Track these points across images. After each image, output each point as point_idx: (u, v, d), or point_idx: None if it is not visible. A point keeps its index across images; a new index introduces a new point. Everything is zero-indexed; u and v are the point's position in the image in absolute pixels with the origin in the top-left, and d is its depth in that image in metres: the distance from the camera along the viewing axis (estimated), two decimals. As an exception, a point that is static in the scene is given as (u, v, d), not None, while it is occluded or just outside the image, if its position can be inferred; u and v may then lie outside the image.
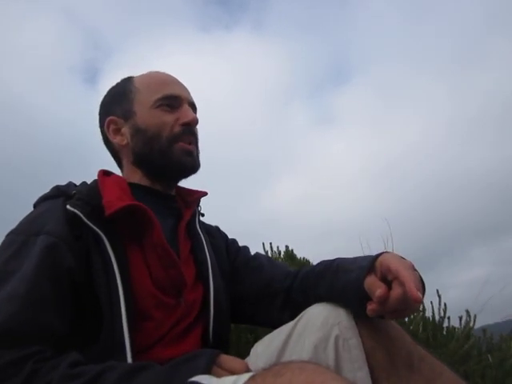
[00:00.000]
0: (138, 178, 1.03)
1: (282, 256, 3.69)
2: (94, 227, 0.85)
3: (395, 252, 0.93)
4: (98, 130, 1.10)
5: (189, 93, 1.08)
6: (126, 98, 1.04)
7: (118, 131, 1.05)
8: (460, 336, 2.43)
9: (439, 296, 2.46)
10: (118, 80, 1.12)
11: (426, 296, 2.87)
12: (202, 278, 1.03)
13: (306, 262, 3.63)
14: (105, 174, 1.02)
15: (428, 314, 2.70)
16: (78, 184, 1.01)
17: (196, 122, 1.03)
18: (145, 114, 1.01)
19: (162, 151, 1.00)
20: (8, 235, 0.86)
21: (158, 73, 1.08)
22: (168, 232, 0.98)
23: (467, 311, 2.40)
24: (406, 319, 2.95)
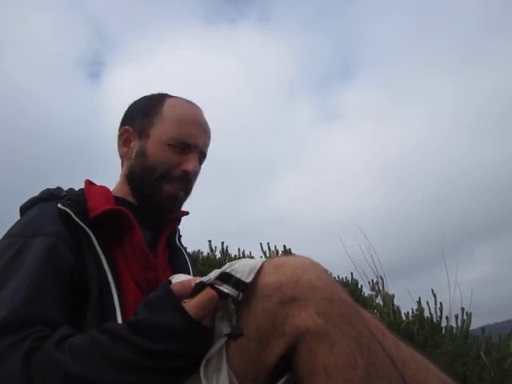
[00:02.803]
0: (125, 191, 1.06)
1: (279, 255, 3.69)
2: (84, 226, 0.87)
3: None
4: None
5: (206, 140, 1.09)
6: (149, 118, 1.05)
7: (127, 142, 1.07)
8: (458, 336, 2.43)
9: (434, 295, 2.45)
10: (154, 92, 1.13)
11: (422, 296, 2.83)
12: None
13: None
14: (90, 183, 1.04)
15: (426, 314, 2.70)
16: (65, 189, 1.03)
17: (195, 173, 1.06)
18: (155, 143, 1.02)
19: (152, 184, 1.02)
20: (5, 239, 0.86)
21: (188, 109, 1.08)
22: (147, 241, 1.00)
23: (463, 309, 2.39)
24: (404, 318, 2.95)
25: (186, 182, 1.04)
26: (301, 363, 0.65)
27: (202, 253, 3.62)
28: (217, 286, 0.67)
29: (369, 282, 3.09)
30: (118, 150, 1.10)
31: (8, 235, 0.87)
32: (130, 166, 1.05)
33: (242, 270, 0.68)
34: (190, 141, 1.03)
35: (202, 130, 1.06)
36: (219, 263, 3.52)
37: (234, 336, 0.66)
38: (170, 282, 0.72)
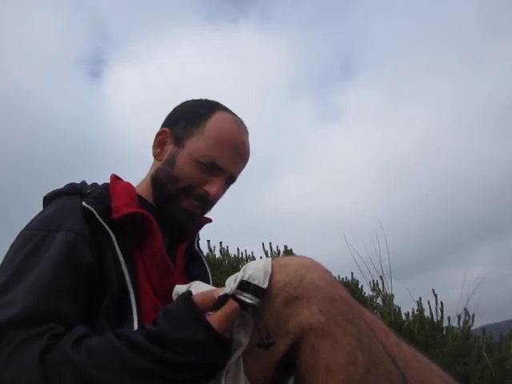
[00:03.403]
0: (148, 192, 1.05)
1: (281, 256, 3.69)
2: (106, 227, 0.86)
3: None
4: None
5: (239, 166, 1.06)
6: (191, 128, 1.02)
7: (162, 144, 1.05)
8: (459, 336, 2.42)
9: (435, 295, 2.44)
10: (204, 98, 1.11)
11: (425, 296, 2.81)
12: None
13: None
14: (116, 178, 1.04)
15: (427, 313, 2.69)
16: (89, 184, 1.02)
17: (216, 198, 1.03)
18: (186, 157, 1.00)
19: (171, 195, 1.00)
20: (27, 230, 0.86)
21: (232, 131, 1.03)
22: (165, 248, 0.97)
23: (465, 309, 2.38)
24: (404, 318, 2.95)
25: (205, 203, 1.02)
26: (303, 360, 0.66)
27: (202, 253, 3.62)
28: (238, 296, 0.67)
29: (369, 282, 3.09)
30: (152, 148, 1.08)
31: (29, 228, 0.86)
32: (157, 170, 1.04)
33: (258, 275, 0.68)
34: (221, 164, 1.00)
35: (238, 156, 1.03)
36: (218, 263, 3.52)
37: (266, 345, 0.65)
38: (191, 293, 0.71)
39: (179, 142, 1.02)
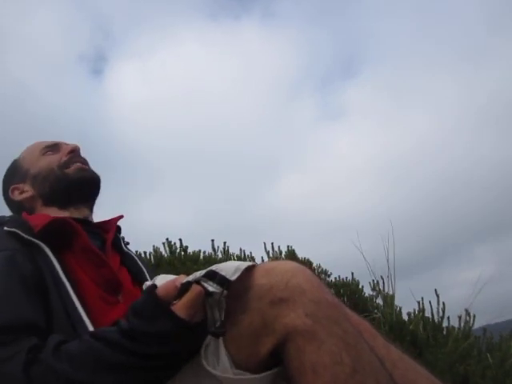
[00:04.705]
0: (55, 213, 1.10)
1: (283, 256, 3.70)
2: (33, 239, 0.91)
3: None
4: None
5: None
6: (18, 167, 1.18)
7: (22, 192, 1.15)
8: (459, 335, 2.43)
9: (437, 296, 2.45)
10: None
11: (425, 296, 2.81)
12: (139, 282, 1.07)
13: (307, 262, 3.66)
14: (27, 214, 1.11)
15: (428, 313, 2.70)
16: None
17: (78, 148, 1.19)
18: (35, 164, 1.16)
19: (58, 178, 1.12)
20: None
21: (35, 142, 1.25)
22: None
23: (466, 310, 2.40)
24: (406, 319, 2.96)
25: (77, 157, 1.17)
26: (290, 361, 0.67)
27: (204, 252, 3.62)
28: (202, 283, 0.69)
29: (369, 283, 3.09)
30: (20, 208, 1.14)
31: None
32: (38, 195, 1.13)
33: (228, 270, 0.70)
34: (53, 141, 1.20)
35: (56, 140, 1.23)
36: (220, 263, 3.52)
37: (216, 334, 0.69)
38: (156, 286, 0.73)
39: (24, 175, 1.16)
